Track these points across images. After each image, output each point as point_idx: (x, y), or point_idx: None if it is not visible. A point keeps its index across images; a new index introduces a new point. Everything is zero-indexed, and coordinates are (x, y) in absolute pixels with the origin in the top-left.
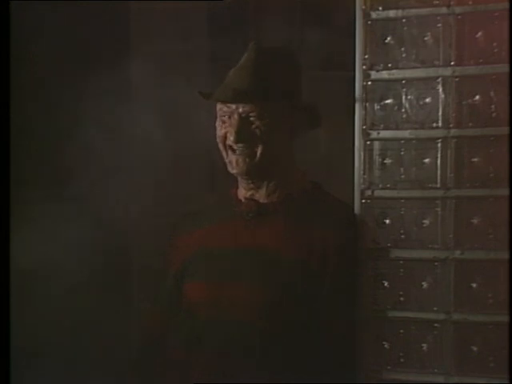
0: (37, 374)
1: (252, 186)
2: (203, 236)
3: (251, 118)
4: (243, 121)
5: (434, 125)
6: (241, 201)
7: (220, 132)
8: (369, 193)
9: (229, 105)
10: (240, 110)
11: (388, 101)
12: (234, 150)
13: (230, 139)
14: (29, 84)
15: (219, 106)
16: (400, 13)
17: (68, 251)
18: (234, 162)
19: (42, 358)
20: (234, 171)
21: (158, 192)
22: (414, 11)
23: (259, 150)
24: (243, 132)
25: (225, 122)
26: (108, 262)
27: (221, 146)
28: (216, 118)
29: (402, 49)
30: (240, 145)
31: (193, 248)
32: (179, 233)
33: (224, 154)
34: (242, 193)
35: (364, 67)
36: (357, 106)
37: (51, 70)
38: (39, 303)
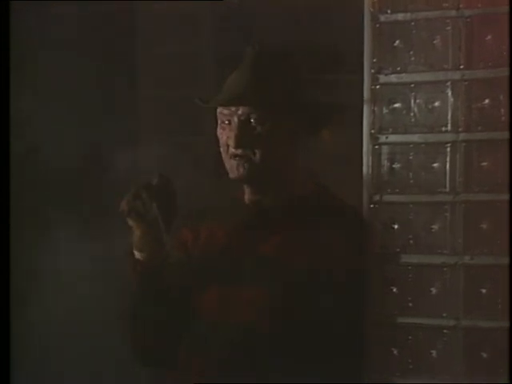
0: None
1: (256, 190)
2: (206, 237)
3: (252, 124)
4: (243, 124)
5: (443, 129)
6: (245, 204)
7: (222, 140)
8: (377, 197)
9: (228, 108)
10: (239, 112)
11: (396, 105)
12: (235, 156)
13: (231, 144)
14: (29, 84)
15: (219, 109)
16: (409, 16)
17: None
18: (234, 168)
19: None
20: (234, 177)
21: None
22: (422, 14)
23: (260, 156)
24: (244, 136)
25: (225, 128)
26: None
27: (223, 154)
28: (217, 125)
29: (411, 52)
30: (240, 150)
31: (193, 244)
32: (184, 224)
33: (226, 160)
34: (247, 196)
35: (372, 71)
36: (365, 109)
37: (51, 70)
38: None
